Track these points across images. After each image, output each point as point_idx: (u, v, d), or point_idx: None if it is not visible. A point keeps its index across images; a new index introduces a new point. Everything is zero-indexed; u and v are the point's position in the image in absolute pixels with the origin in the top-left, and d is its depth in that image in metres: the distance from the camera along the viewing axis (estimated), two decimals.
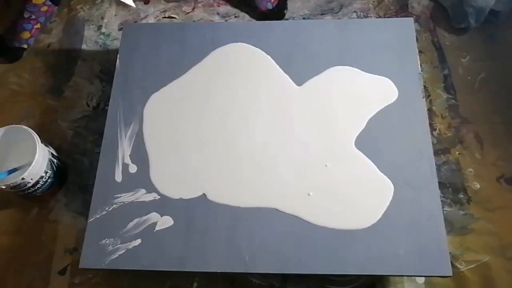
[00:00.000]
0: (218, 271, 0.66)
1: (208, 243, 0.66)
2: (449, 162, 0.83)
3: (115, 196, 0.71)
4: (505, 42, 0.95)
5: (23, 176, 0.73)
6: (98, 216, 0.70)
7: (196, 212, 0.69)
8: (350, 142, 0.72)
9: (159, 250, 0.66)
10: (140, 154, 0.74)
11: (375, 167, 0.70)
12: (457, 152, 0.84)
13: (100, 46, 1.02)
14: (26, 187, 0.76)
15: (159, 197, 0.71)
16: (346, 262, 0.64)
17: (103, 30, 1.04)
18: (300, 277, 0.75)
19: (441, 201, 0.79)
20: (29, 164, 0.73)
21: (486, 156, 0.84)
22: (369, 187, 0.69)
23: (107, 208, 0.70)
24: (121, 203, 0.70)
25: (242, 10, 1.05)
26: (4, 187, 0.73)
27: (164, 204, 0.70)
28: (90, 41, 1.03)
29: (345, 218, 0.67)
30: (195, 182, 0.71)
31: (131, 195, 0.71)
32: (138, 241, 0.67)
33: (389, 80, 0.77)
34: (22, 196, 0.79)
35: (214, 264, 0.65)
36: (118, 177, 0.72)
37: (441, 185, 0.81)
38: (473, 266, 0.75)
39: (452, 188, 0.81)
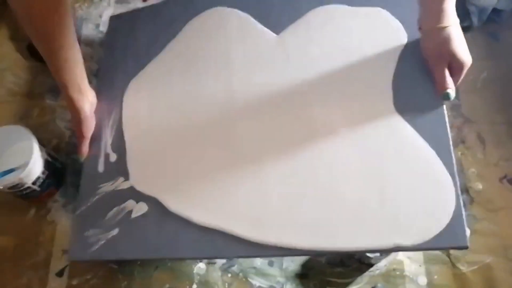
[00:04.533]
0: (190, 258, 0.64)
1: (181, 228, 0.63)
2: None
3: (98, 186, 0.70)
4: (508, 42, 0.94)
5: (20, 176, 0.72)
6: (84, 208, 0.69)
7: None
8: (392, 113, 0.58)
9: (135, 238, 0.65)
10: (120, 142, 0.72)
11: (438, 160, 0.55)
12: (459, 152, 0.84)
13: (98, 45, 1.01)
14: (24, 187, 0.75)
15: None
16: (358, 237, 0.55)
17: (101, 28, 1.03)
18: (300, 278, 0.74)
19: None
20: (26, 164, 0.73)
21: (488, 156, 0.83)
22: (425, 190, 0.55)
23: (92, 199, 0.70)
24: (103, 193, 0.69)
25: None
26: (1, 187, 0.72)
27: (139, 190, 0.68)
28: (88, 40, 1.02)
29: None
30: (174, 186, 0.66)
31: (111, 184, 0.70)
32: (116, 230, 0.66)
33: (387, 12, 0.66)
34: (19, 196, 0.78)
35: (187, 250, 0.62)
36: (101, 167, 0.71)
37: None
38: (475, 267, 0.74)
39: None
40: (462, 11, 0.93)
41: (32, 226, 0.82)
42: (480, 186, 0.81)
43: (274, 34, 0.73)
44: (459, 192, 0.54)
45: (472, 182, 0.81)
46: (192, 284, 0.75)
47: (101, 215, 0.68)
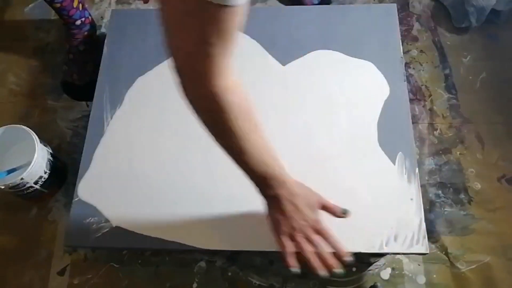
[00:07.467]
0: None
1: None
2: (450, 162, 0.83)
3: None
4: (506, 42, 0.94)
5: (22, 176, 0.73)
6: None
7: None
8: (375, 144, 0.71)
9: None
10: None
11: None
12: (458, 152, 0.84)
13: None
14: (25, 187, 0.76)
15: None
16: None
17: (102, 29, 1.03)
18: (300, 277, 0.74)
19: (442, 201, 0.79)
20: (28, 164, 0.73)
21: (487, 156, 0.83)
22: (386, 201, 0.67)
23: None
24: None
25: None
26: (3, 187, 0.73)
27: None
28: None
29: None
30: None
31: None
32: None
33: (372, 64, 0.78)
34: (21, 196, 0.78)
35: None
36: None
37: (442, 185, 0.81)
38: (474, 266, 0.75)
39: (453, 188, 0.81)
40: (461, 12, 0.94)
41: (33, 226, 0.82)
42: (478, 186, 0.81)
43: (281, 65, 0.79)
44: (422, 212, 0.66)
45: (471, 182, 0.81)
46: (193, 283, 0.75)
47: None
